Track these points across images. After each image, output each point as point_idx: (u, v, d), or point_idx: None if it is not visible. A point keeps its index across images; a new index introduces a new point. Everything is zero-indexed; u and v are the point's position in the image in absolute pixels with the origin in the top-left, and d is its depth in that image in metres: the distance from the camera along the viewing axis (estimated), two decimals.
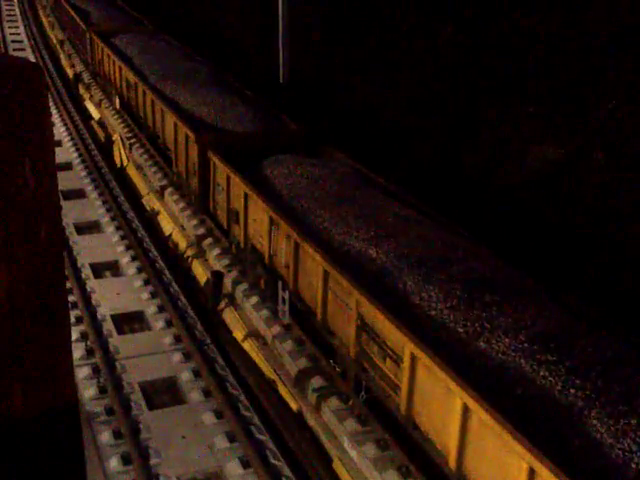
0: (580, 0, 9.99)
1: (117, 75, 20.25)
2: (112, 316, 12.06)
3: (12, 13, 40.92)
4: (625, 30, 9.36)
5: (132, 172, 18.15)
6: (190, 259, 13.70)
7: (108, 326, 11.76)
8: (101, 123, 21.91)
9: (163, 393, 10.42)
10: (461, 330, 7.92)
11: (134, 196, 17.24)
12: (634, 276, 9.48)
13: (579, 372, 7.12)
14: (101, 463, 8.82)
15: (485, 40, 11.87)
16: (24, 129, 2.72)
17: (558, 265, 10.23)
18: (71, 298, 12.13)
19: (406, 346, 7.62)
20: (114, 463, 8.82)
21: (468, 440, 6.91)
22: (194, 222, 14.19)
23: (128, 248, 14.38)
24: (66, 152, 19.66)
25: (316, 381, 9.57)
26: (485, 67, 11.92)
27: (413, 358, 7.56)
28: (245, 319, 11.52)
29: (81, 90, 25.07)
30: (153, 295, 12.66)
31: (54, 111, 22.71)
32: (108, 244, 14.67)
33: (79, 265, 13.71)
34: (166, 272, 13.59)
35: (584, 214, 10.25)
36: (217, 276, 12.23)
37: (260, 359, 10.70)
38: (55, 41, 32.69)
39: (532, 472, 6.11)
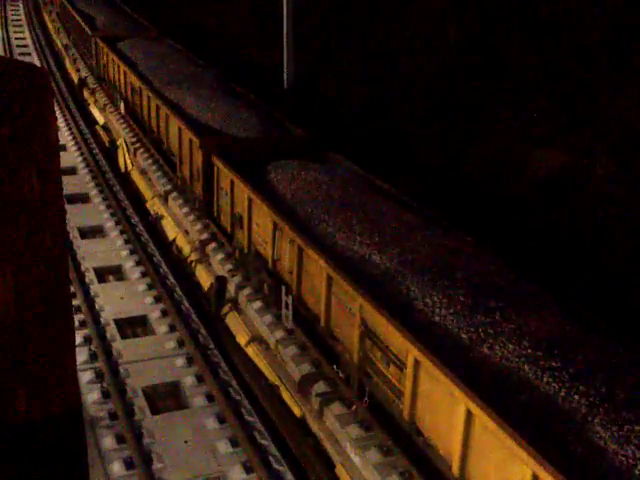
0: (583, 2, 10.00)
1: (122, 80, 20.30)
2: (115, 320, 12.06)
3: (18, 17, 41.08)
4: (628, 31, 9.36)
5: (136, 177, 18.18)
6: (194, 264, 13.70)
7: (111, 330, 11.76)
8: (106, 128, 21.95)
9: (166, 398, 10.42)
10: (465, 336, 7.90)
11: (138, 201, 17.26)
12: (638, 282, 9.46)
13: (583, 378, 7.10)
14: (104, 467, 8.81)
15: (488, 43, 11.87)
16: (29, 133, 2.72)
17: (563, 271, 10.21)
18: (75, 302, 12.13)
19: (409, 352, 7.61)
20: (117, 468, 8.81)
21: (471, 446, 6.89)
22: (198, 227, 14.20)
23: (132, 252, 14.40)
24: (71, 157, 19.70)
25: (319, 386, 9.55)
26: (488, 70, 11.92)
27: (416, 364, 7.55)
28: (248, 324, 11.51)
29: (86, 95, 25.13)
30: (157, 299, 12.66)
31: (59, 115, 22.76)
32: (112, 248, 14.68)
33: (83, 269, 13.72)
34: (170, 277, 13.61)
35: (589, 219, 10.24)
36: (221, 281, 12.23)
37: (263, 364, 10.69)
38: (60, 46, 32.78)
39: (535, 478, 6.09)
